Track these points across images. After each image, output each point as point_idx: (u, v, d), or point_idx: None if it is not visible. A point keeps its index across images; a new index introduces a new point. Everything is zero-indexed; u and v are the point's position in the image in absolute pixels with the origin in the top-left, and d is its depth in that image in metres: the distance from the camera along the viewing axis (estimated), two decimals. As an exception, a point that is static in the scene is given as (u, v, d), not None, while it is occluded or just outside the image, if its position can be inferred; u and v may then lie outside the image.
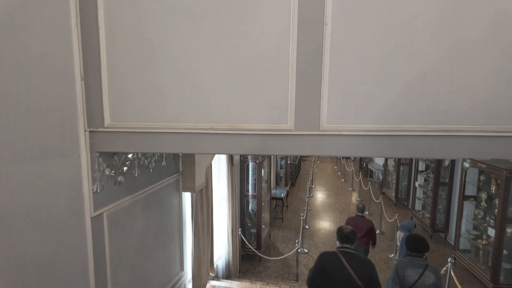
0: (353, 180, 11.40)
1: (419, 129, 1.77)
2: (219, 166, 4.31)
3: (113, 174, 2.22)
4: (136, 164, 2.48)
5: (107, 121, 1.98)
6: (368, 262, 2.71)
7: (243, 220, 5.82)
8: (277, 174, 10.08)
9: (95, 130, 1.99)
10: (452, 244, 6.63)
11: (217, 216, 4.32)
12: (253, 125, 1.92)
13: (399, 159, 9.00)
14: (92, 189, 2.01)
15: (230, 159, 4.54)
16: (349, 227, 2.90)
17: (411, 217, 8.10)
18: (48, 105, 1.72)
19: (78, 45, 1.87)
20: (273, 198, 8.22)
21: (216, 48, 1.87)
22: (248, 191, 5.82)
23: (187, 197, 3.47)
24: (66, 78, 1.83)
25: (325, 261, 2.71)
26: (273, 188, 8.84)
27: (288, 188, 10.13)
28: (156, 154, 2.76)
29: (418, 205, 8.06)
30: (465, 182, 5.63)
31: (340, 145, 1.89)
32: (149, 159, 2.66)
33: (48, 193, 1.73)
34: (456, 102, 1.72)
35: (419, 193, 7.96)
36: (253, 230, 5.91)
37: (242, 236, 5.32)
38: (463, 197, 5.68)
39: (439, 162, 6.73)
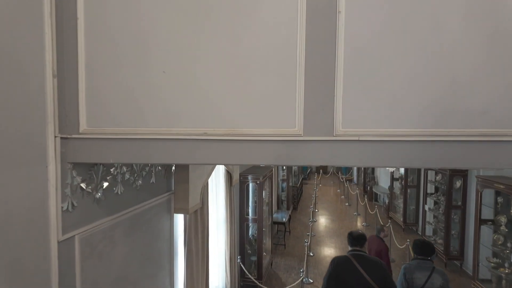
0: (358, 204, 10.94)
1: (457, 133, 1.47)
2: (217, 185, 3.96)
3: (90, 190, 1.89)
4: (119, 180, 2.15)
5: (83, 126, 1.69)
6: (380, 264, 2.77)
7: (243, 246, 5.37)
8: (278, 197, 9.66)
9: (68, 136, 1.68)
10: (469, 273, 6.12)
11: (213, 241, 3.91)
12: (254, 129, 1.62)
13: (405, 182, 8.63)
14: (62, 207, 1.68)
15: (229, 178, 4.20)
16: (360, 231, 3.02)
17: (422, 243, 7.60)
18: (10, 105, 1.43)
19: (52, 37, 1.61)
20: (274, 223, 7.76)
21: (212, 41, 1.61)
22: (248, 215, 5.42)
23: (179, 219, 3.10)
24: (35, 74, 1.55)
25: (338, 265, 2.74)
26: (274, 212, 8.39)
27: (290, 212, 9.68)
28: (143, 170, 2.43)
29: (428, 230, 7.59)
30: (481, 204, 5.24)
31: (359, 153, 1.58)
32: (135, 175, 2.33)
33: (2, 210, 1.40)
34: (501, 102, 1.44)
35: (429, 217, 7.52)
36: (254, 258, 5.45)
37: (241, 265, 4.86)
38: (480, 221, 5.27)
39: (450, 183, 6.37)
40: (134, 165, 2.32)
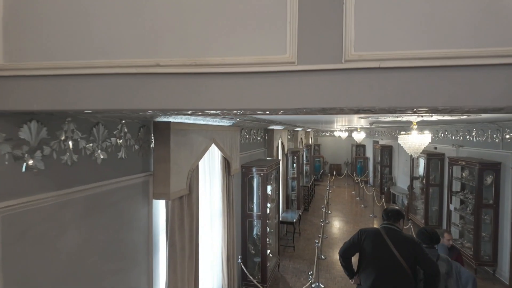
0: (374, 206, 10.21)
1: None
2: (211, 172, 3.48)
3: (20, 155, 1.44)
4: (70, 146, 1.70)
5: (-2, 60, 1.24)
6: (415, 242, 2.57)
7: (245, 245, 4.85)
8: (288, 196, 9.09)
9: (-25, 73, 1.24)
10: (504, 281, 5.37)
11: (206, 237, 3.42)
12: (227, 58, 1.13)
13: (427, 179, 7.89)
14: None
15: (226, 166, 3.71)
16: (396, 207, 2.98)
17: (447, 248, 6.85)
18: None
19: None
20: (283, 223, 7.19)
21: None
22: (251, 210, 4.89)
23: (161, 207, 2.63)
24: None
25: (365, 235, 2.59)
26: (283, 212, 7.83)
27: (300, 212, 9.09)
28: (107, 140, 1.97)
29: (454, 233, 6.83)
30: (519, 201, 4.54)
31: (382, 88, 1.06)
32: (97, 143, 1.88)
33: None
34: None
35: (455, 218, 6.77)
36: (258, 259, 4.91)
37: (242, 266, 4.34)
38: (518, 221, 4.56)
39: (480, 179, 5.65)
40: (94, 130, 1.86)
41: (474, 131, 6.32)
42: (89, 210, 1.86)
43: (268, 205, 5.80)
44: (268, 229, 5.34)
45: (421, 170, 8.52)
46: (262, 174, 4.76)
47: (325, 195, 10.15)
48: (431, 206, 7.96)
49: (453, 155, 6.91)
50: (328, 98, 1.09)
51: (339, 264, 5.73)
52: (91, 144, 1.84)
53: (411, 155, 9.30)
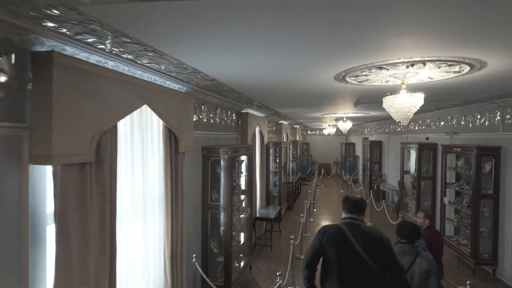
0: (362, 203, 9.55)
1: None
2: (145, 143, 2.72)
3: None
4: None
5: None
6: (381, 238, 2.18)
7: (206, 242, 4.09)
8: (269, 192, 8.36)
9: None
10: (507, 282, 4.72)
11: (137, 227, 2.65)
12: None
13: (419, 172, 7.25)
14: None
15: (173, 140, 2.96)
16: (357, 196, 2.47)
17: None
18: None
19: None
20: (260, 219, 6.45)
21: None
22: (216, 201, 4.14)
23: (49, 178, 1.87)
24: None
25: (327, 238, 2.18)
26: (262, 208, 7.09)
27: (283, 209, 8.37)
28: None
29: (449, 229, 6.19)
30: (524, 188, 3.90)
31: None
32: None
33: None
34: None
35: (450, 212, 6.12)
36: (221, 259, 4.15)
37: (197, 266, 3.57)
38: (524, 211, 3.91)
39: (478, 166, 5.01)
40: None
41: (470, 116, 5.71)
42: None
43: (242, 197, 5.07)
44: (237, 224, 4.60)
45: (412, 164, 7.89)
46: (226, 157, 4.03)
47: (310, 191, 9.44)
48: (423, 202, 7.32)
49: (447, 143, 6.29)
50: None
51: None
52: None
53: (401, 151, 8.68)
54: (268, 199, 8.33)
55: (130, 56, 2.22)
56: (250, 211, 5.12)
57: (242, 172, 4.99)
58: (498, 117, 4.89)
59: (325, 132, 14.80)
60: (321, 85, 3.54)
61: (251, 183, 5.19)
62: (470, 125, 5.70)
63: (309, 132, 18.96)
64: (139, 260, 2.68)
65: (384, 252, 2.13)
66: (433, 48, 2.14)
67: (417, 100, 2.58)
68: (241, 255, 4.96)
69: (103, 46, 1.96)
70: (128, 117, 2.39)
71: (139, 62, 2.37)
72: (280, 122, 10.01)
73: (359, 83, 3.19)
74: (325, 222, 8.52)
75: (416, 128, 8.43)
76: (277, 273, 3.39)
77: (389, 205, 9.83)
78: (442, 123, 6.89)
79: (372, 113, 7.77)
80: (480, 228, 5.09)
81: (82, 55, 1.99)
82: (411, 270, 2.52)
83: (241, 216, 5.08)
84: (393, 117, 2.76)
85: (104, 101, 2.05)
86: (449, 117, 6.49)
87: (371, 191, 9.72)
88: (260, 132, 6.89)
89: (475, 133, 5.56)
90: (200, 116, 4.01)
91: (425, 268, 2.53)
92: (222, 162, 4.09)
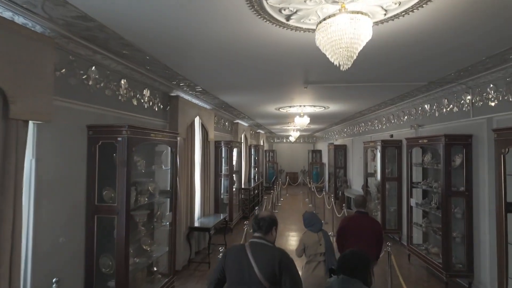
0: (325, 211, 8.69)
1: None
2: None
3: None
4: None
5: None
6: (276, 255, 2.02)
7: (91, 259, 2.89)
8: (218, 199, 7.24)
9: None
10: (486, 298, 3.88)
11: None
12: None
13: (383, 173, 6.48)
14: None
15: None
16: (267, 212, 2.22)
17: (408, 255, 5.35)
18: None
19: None
20: (198, 229, 5.28)
21: None
22: (113, 202, 2.97)
23: None
24: None
25: (228, 257, 2.11)
26: (202, 216, 5.94)
27: (236, 219, 7.25)
28: None
29: (417, 237, 5.37)
30: (505, 180, 3.10)
31: None
32: None
33: None
34: None
35: (417, 216, 5.32)
36: (113, 284, 2.95)
37: (57, 296, 2.36)
38: (506, 210, 3.10)
39: (447, 159, 4.25)
40: None
41: (436, 104, 5.02)
42: None
43: (168, 200, 3.91)
44: (154, 234, 3.44)
45: (377, 166, 7.14)
46: (121, 139, 2.91)
47: (265, 197, 8.40)
48: (388, 206, 6.53)
49: (412, 137, 5.56)
50: None
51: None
52: None
53: (364, 151, 7.96)
54: (217, 206, 7.20)
55: None
56: (173, 218, 3.96)
57: (162, 167, 3.87)
58: (468, 100, 4.19)
59: (291, 138, 14.04)
60: (236, 26, 2.49)
61: (175, 181, 4.05)
62: (437, 114, 5.01)
63: (276, 140, 18.19)
64: None
65: (273, 268, 1.97)
66: None
67: (363, 27, 1.68)
68: (158, 275, 3.78)
69: None
70: None
71: None
72: (236, 121, 9.02)
73: (287, 19, 2.25)
74: (283, 230, 7.48)
75: (380, 126, 7.78)
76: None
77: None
78: (405, 118, 6.22)
79: (332, 107, 6.98)
80: (453, 232, 4.29)
81: None
82: None
83: (163, 224, 3.94)
84: (331, 59, 1.83)
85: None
86: (413, 110, 5.82)
87: (333, 198, 8.87)
88: (203, 126, 5.80)
89: (443, 122, 4.86)
90: (86, 82, 2.89)
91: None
92: (118, 147, 2.96)
